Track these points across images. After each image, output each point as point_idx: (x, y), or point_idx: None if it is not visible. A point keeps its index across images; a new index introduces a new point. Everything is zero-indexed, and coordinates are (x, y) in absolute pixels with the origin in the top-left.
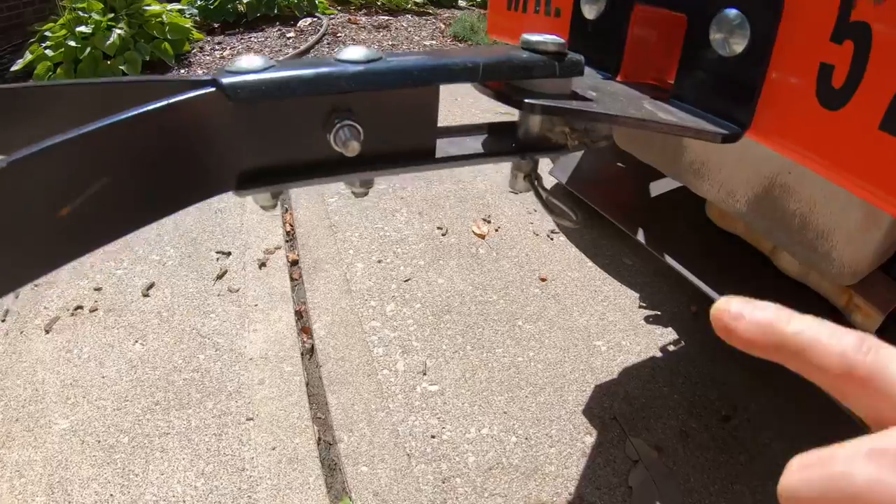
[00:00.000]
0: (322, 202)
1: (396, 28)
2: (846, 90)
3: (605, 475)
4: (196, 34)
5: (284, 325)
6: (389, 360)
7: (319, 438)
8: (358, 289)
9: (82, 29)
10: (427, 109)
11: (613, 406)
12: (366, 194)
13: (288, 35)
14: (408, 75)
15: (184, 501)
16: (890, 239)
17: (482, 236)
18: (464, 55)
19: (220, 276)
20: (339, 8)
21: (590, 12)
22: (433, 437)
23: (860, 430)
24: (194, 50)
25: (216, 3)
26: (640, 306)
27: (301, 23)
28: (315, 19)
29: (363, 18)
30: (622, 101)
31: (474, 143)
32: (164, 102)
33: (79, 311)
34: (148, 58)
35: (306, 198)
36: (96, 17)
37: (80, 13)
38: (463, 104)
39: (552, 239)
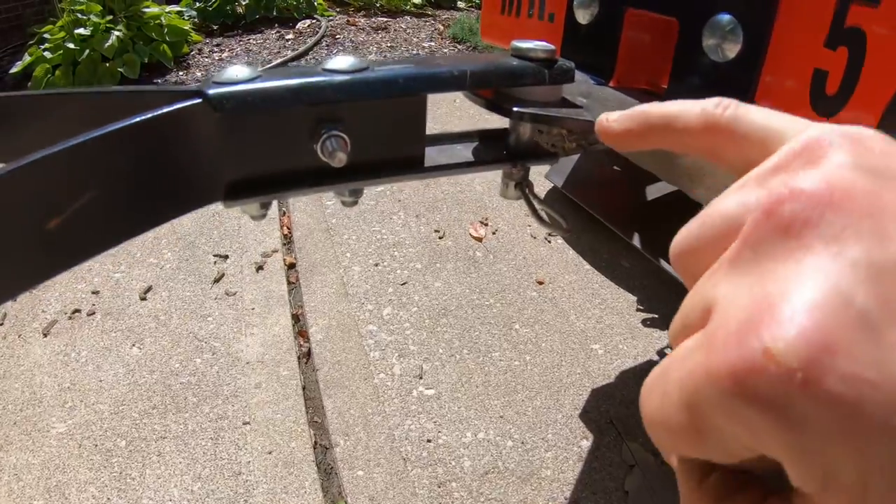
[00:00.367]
0: (319, 205)
1: (395, 29)
2: (840, 97)
3: (602, 479)
4: (195, 36)
5: (281, 329)
6: (386, 363)
7: (316, 442)
8: (355, 292)
9: (81, 31)
10: (415, 118)
11: (610, 410)
12: (355, 203)
13: (287, 37)
14: (394, 85)
15: None
16: None
17: (479, 239)
18: (451, 63)
19: (217, 280)
20: (337, 10)
21: (583, 17)
22: (429, 441)
23: None
24: (193, 52)
25: (215, 5)
26: (638, 309)
27: (300, 24)
28: (314, 21)
29: (362, 20)
30: (613, 107)
31: (465, 151)
32: (150, 115)
33: (76, 314)
34: (146, 60)
35: (303, 200)
36: (95, 19)
37: (79, 15)
38: (462, 106)
39: (549, 241)
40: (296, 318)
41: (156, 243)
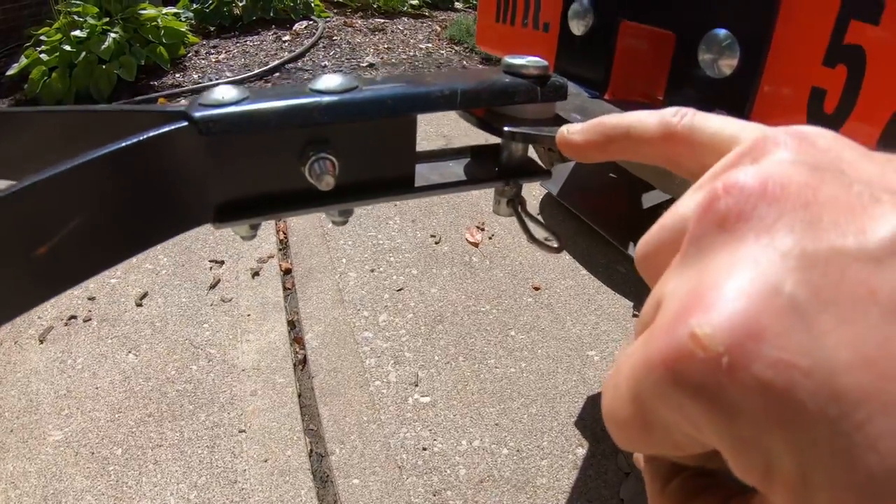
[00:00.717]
0: None
1: (392, 31)
2: (839, 116)
3: (597, 487)
4: (192, 38)
5: (277, 336)
6: (381, 371)
7: (311, 450)
8: (351, 298)
9: (77, 33)
10: (405, 137)
11: None
12: (345, 223)
13: (283, 38)
14: (383, 106)
15: None
16: None
17: (476, 244)
18: (442, 82)
19: (213, 286)
20: (334, 11)
21: (577, 28)
22: (424, 449)
23: None
24: (190, 54)
25: (212, 7)
26: (634, 315)
27: (297, 26)
28: (311, 22)
29: (359, 21)
30: None
31: (457, 168)
32: (135, 140)
33: (73, 320)
34: (143, 62)
35: None
36: (92, 21)
37: (76, 17)
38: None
39: None
40: (291, 325)
41: (152, 248)
